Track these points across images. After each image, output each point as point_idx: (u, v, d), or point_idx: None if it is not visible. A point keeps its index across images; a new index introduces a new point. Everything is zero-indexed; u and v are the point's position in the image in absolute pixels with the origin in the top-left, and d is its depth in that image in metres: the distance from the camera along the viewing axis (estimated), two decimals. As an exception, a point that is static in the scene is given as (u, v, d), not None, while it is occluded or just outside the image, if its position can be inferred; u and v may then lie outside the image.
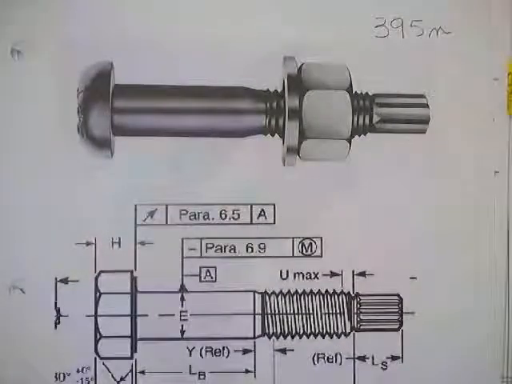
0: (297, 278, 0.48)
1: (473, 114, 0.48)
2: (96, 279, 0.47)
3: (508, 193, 0.48)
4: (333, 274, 0.48)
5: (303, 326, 0.47)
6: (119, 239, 0.47)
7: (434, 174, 0.48)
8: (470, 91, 0.48)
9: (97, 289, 0.47)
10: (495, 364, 0.48)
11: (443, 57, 0.48)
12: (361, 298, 0.47)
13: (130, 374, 0.47)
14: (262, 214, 0.48)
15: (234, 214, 0.48)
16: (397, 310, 0.47)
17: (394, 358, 0.47)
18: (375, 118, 0.47)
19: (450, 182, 0.48)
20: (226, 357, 0.47)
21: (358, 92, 0.47)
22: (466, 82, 0.48)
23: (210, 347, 0.47)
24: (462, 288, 0.48)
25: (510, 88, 0.48)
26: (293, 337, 0.47)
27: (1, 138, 0.47)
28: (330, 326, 0.47)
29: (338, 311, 0.47)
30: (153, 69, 0.47)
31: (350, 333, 0.47)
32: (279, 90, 0.47)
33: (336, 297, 0.47)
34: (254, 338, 0.47)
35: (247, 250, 0.47)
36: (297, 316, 0.47)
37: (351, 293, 0.48)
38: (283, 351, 0.47)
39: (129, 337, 0.47)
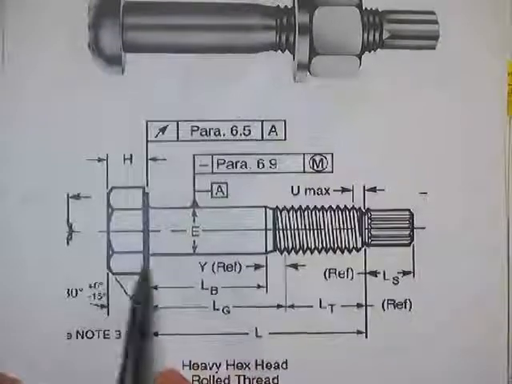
0: (308, 193, 0.48)
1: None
2: (108, 195, 0.47)
3: (507, 193, 0.48)
4: (344, 190, 0.48)
5: (314, 241, 0.47)
6: (131, 156, 0.47)
7: (445, 87, 0.48)
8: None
9: (109, 205, 0.47)
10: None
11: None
12: (372, 213, 0.47)
13: (142, 289, 0.47)
14: (273, 130, 0.48)
15: (244, 130, 0.48)
16: (408, 225, 0.47)
17: (405, 272, 0.47)
18: (385, 34, 0.47)
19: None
20: (238, 272, 0.47)
21: (368, 8, 0.47)
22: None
23: (222, 262, 0.47)
24: (472, 201, 0.48)
25: (509, 88, 0.48)
26: (304, 252, 0.47)
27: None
28: (341, 241, 0.47)
29: (349, 226, 0.47)
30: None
31: (361, 248, 0.47)
32: (289, 6, 0.47)
33: (347, 212, 0.47)
34: (266, 253, 0.47)
35: (258, 166, 0.48)
36: (308, 231, 0.47)
37: (362, 208, 0.48)
38: (295, 266, 0.47)
39: (141, 252, 0.47)
